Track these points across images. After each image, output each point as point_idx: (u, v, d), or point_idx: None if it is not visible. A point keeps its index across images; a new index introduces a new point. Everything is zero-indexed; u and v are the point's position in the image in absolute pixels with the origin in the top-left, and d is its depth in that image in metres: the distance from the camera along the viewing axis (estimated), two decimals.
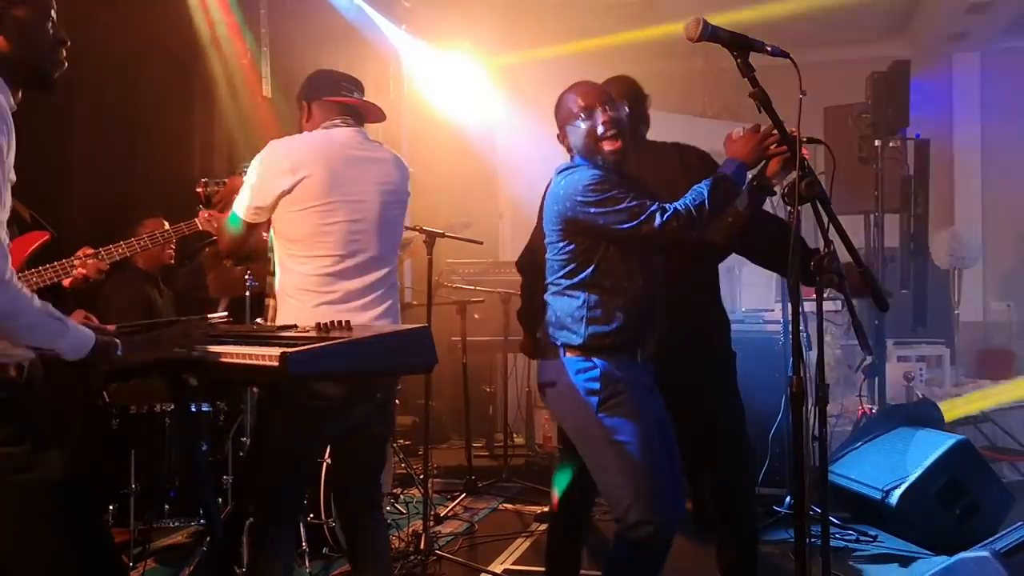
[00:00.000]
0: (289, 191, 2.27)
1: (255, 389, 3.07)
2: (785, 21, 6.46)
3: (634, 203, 2.23)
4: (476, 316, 5.48)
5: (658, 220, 2.21)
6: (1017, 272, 8.17)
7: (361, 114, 2.51)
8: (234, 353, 1.56)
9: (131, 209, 3.99)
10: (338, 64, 5.81)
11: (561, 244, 2.37)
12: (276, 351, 1.45)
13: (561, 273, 2.38)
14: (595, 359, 2.32)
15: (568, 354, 2.35)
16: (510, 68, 6.90)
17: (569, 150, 2.47)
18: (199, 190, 2.65)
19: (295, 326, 1.83)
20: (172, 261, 3.96)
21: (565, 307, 2.37)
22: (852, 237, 2.20)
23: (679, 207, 2.22)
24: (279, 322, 2.25)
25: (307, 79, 2.53)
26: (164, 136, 4.38)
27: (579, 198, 2.27)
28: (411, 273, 6.20)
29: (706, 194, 2.23)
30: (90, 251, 2.88)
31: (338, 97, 2.45)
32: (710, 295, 2.96)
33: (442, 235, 3.77)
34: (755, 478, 2.95)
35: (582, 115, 2.36)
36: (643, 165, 2.66)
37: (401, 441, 5.48)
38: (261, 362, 1.48)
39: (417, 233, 3.76)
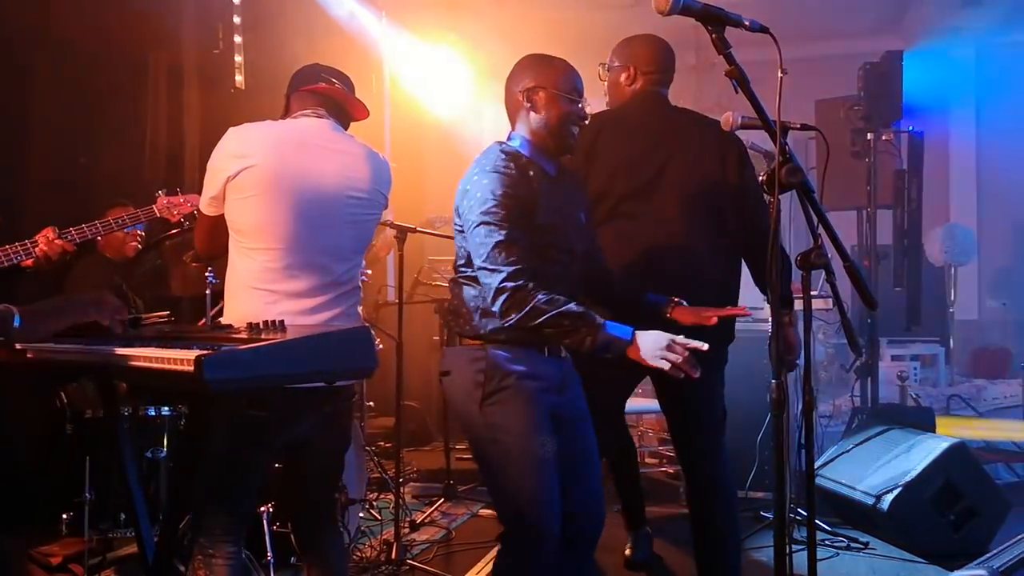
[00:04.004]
0: (234, 176, 2.12)
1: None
2: (779, 14, 6.33)
3: (503, 267, 2.05)
4: None
5: (498, 300, 2.05)
6: (1013, 270, 8.06)
7: (343, 108, 2.36)
8: (145, 356, 1.40)
9: (94, 201, 3.85)
10: (315, 57, 5.67)
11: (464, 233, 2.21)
12: (192, 354, 1.29)
13: (464, 260, 2.23)
14: (489, 348, 2.17)
15: (464, 342, 2.22)
16: (495, 60, 6.75)
17: (516, 109, 2.28)
18: None
19: (230, 326, 1.67)
20: (133, 255, 3.82)
21: (464, 295, 2.22)
22: (845, 234, 2.06)
23: (521, 288, 2.04)
24: (225, 322, 2.10)
25: (293, 74, 2.40)
26: (130, 127, 4.23)
27: (479, 210, 2.11)
28: (393, 270, 6.04)
29: (557, 311, 2.04)
30: (54, 231, 2.73)
31: (312, 86, 2.30)
32: (732, 291, 2.85)
33: (413, 230, 3.61)
34: (735, 480, 2.83)
35: (569, 98, 2.21)
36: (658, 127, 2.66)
37: (382, 443, 5.34)
38: (174, 366, 1.32)
39: (388, 228, 3.61)
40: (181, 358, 1.32)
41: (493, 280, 2.07)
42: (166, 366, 1.36)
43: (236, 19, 4.70)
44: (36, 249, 2.59)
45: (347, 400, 2.33)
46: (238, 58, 4.69)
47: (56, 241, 2.62)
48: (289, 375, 1.43)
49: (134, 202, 3.82)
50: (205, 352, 1.30)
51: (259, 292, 2.12)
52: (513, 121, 2.32)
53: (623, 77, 2.84)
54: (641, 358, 2.03)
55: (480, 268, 2.10)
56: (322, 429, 2.25)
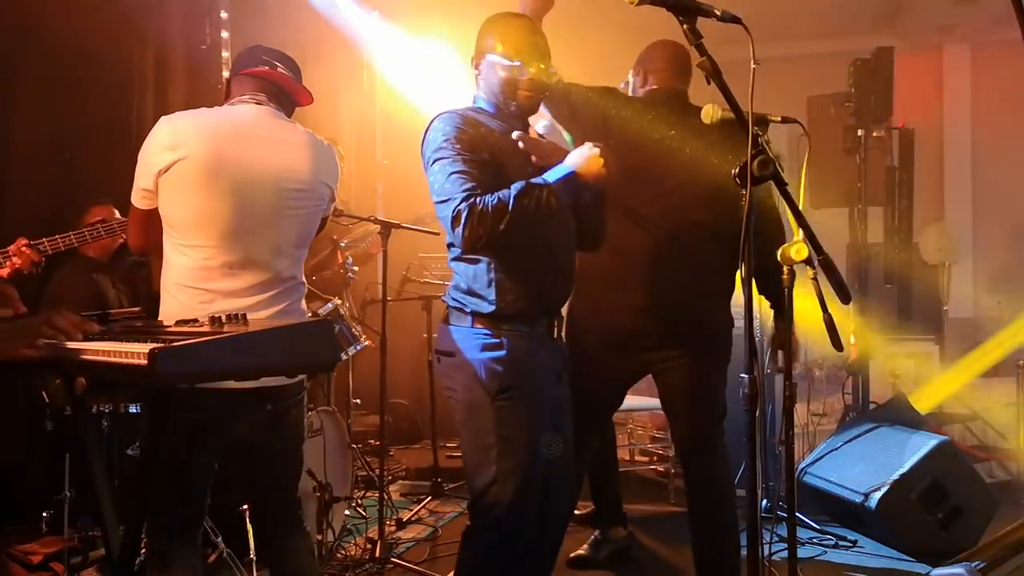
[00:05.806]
0: (166, 169, 2.03)
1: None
2: (774, 12, 6.30)
3: (457, 194, 2.01)
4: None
5: (458, 227, 2.01)
6: (1008, 267, 8.01)
7: (286, 94, 2.24)
8: (100, 351, 1.38)
9: (78, 198, 3.82)
10: (305, 54, 5.66)
11: None
12: (145, 348, 1.27)
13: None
14: (504, 338, 2.13)
15: (476, 324, 2.16)
16: None
17: (474, 72, 2.29)
18: None
19: (195, 321, 1.65)
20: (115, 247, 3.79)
21: (471, 271, 2.17)
22: (837, 231, 2.05)
23: (476, 204, 1.99)
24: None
25: (235, 56, 2.30)
26: (115, 124, 4.19)
27: (432, 149, 2.11)
28: (380, 268, 6.01)
29: (512, 197, 2.01)
30: (25, 242, 2.68)
31: (252, 69, 2.18)
32: (730, 286, 2.87)
33: (397, 225, 3.59)
34: (733, 476, 2.83)
35: (510, 59, 2.18)
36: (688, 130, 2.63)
37: (371, 441, 5.31)
38: (127, 360, 1.30)
39: (372, 224, 3.59)
40: (135, 352, 1.30)
41: (447, 211, 2.03)
42: (121, 360, 1.33)
43: (223, 14, 4.67)
44: (8, 262, 2.52)
45: (293, 398, 2.23)
46: (225, 54, 4.66)
47: (26, 251, 2.55)
48: (244, 369, 1.40)
49: (118, 199, 3.80)
50: (159, 346, 1.28)
51: (194, 291, 2.04)
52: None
53: (638, 83, 2.89)
54: (588, 173, 2.07)
55: (437, 204, 2.07)
56: (266, 429, 2.18)
